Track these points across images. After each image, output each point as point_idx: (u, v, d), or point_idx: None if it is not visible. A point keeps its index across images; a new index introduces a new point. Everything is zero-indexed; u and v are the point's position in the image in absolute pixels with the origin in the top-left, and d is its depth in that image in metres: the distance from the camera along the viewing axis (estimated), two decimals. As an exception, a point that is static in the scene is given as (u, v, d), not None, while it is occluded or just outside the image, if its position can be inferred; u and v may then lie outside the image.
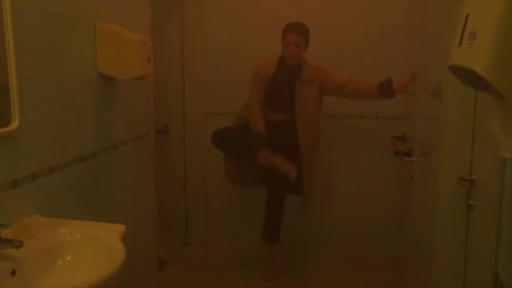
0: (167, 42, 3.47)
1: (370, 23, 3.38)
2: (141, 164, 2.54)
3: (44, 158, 1.69)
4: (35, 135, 1.63)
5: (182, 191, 3.71)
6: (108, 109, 2.15)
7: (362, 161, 3.55)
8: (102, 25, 2.00)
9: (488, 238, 1.24)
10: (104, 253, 1.46)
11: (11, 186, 1.52)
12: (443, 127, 1.80)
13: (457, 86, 1.65)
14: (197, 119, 3.63)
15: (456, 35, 0.94)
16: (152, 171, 2.69)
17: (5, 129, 1.47)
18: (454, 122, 1.75)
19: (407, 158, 2.58)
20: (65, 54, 1.80)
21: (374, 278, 3.22)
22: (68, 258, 1.50)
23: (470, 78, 0.88)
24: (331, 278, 3.21)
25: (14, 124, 1.50)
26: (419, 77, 2.62)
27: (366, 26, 3.39)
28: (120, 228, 1.62)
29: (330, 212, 3.64)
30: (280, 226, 3.20)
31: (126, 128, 2.34)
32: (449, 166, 1.77)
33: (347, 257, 3.49)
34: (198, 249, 3.65)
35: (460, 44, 0.90)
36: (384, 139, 3.10)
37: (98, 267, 1.37)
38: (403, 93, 2.94)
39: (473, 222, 1.67)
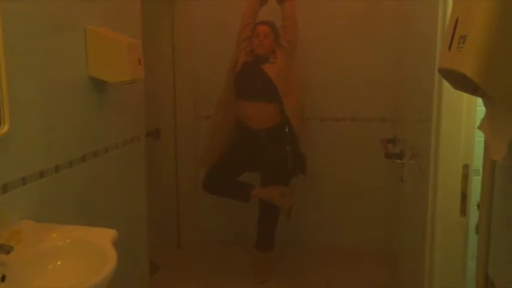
0: (158, 45, 3.46)
1: (357, 23, 3.41)
2: (132, 167, 2.53)
3: (34, 162, 1.67)
4: (24, 139, 1.62)
5: (174, 194, 3.69)
6: (98, 113, 2.14)
7: (354, 163, 3.56)
8: (93, 28, 1.99)
9: (480, 240, 1.25)
10: (95, 258, 1.45)
11: (0, 191, 1.50)
12: (434, 130, 1.81)
13: (448, 89, 1.67)
14: (189, 122, 3.62)
15: (446, 38, 0.94)
16: (143, 174, 2.68)
17: (-6, 133, 1.46)
18: (445, 125, 1.76)
19: (399, 161, 2.59)
20: (55, 57, 1.79)
21: (366, 279, 3.23)
22: (59, 263, 1.49)
23: (460, 81, 0.89)
24: (324, 280, 3.21)
25: (4, 128, 1.48)
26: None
27: (354, 26, 3.42)
28: (112, 232, 1.61)
29: (322, 215, 3.65)
30: (274, 236, 3.20)
31: (117, 132, 2.33)
32: (440, 169, 1.78)
33: (339, 258, 3.49)
34: (190, 252, 3.64)
35: (450, 48, 0.91)
36: (376, 141, 3.12)
37: (89, 272, 1.36)
38: None
39: (464, 227, 1.68)
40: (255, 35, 3.07)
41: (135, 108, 2.55)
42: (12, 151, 1.56)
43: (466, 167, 1.74)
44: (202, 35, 3.53)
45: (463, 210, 1.77)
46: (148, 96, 2.78)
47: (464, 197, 1.74)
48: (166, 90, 3.56)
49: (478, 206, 1.39)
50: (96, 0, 2.07)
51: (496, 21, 0.77)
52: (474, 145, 1.74)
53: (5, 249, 1.30)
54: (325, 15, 3.44)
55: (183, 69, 3.55)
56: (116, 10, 2.26)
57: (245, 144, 3.13)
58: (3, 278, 1.31)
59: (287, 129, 3.05)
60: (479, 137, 1.60)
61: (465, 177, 1.74)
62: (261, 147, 3.07)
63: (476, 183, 1.69)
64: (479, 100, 1.58)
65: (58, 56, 1.81)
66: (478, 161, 1.66)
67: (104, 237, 1.56)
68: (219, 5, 3.50)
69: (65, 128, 1.87)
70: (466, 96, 1.66)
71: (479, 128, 1.02)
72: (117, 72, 2.01)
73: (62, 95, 1.85)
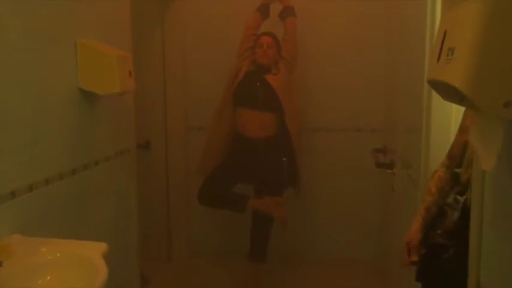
0: (148, 56, 3.46)
1: (348, 35, 3.45)
2: (123, 179, 2.52)
3: (23, 175, 1.66)
4: (13, 152, 1.61)
5: (165, 207, 3.67)
6: (89, 125, 2.13)
7: (344, 174, 3.57)
8: (83, 41, 1.99)
9: (471, 248, 1.25)
10: (85, 272, 1.44)
11: (-11, 205, 1.49)
12: (424, 139, 1.83)
13: (437, 99, 1.69)
14: (179, 133, 3.62)
15: (434, 50, 0.96)
16: (134, 186, 2.66)
17: (-17, 147, 1.44)
18: (435, 134, 1.78)
19: (389, 170, 2.60)
20: (45, 70, 1.78)
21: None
22: (48, 278, 1.47)
23: (448, 92, 0.90)
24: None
25: (-7, 141, 1.47)
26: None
27: (345, 38, 3.45)
28: (102, 246, 1.59)
29: (313, 225, 3.65)
30: (267, 246, 3.19)
31: (108, 144, 2.32)
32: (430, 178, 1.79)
33: (331, 269, 3.48)
34: (181, 265, 3.61)
35: (438, 60, 0.92)
36: (366, 151, 3.14)
37: (80, 287, 1.34)
38: None
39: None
40: (259, 45, 3.13)
41: (126, 120, 2.54)
42: (0, 164, 1.54)
43: (456, 176, 1.75)
44: (193, 45, 3.54)
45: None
46: (139, 107, 2.77)
47: (454, 206, 1.74)
48: (156, 101, 3.55)
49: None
50: (87, 13, 2.07)
51: (484, 33, 0.78)
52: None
53: (-6, 264, 1.29)
54: (316, 28, 3.47)
55: (174, 79, 3.55)
56: (106, 23, 2.26)
57: (241, 154, 3.13)
58: (-8, 294, 1.29)
59: (286, 140, 3.07)
60: (469, 147, 1.62)
61: (455, 187, 1.75)
62: (257, 156, 3.08)
63: (466, 192, 1.70)
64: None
65: (49, 69, 1.80)
66: (467, 171, 1.67)
67: (94, 251, 1.55)
68: (210, 15, 3.52)
69: (55, 140, 1.86)
70: (454, 106, 1.68)
71: (468, 138, 1.03)
72: (107, 85, 2.00)
73: (52, 107, 1.84)
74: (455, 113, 1.74)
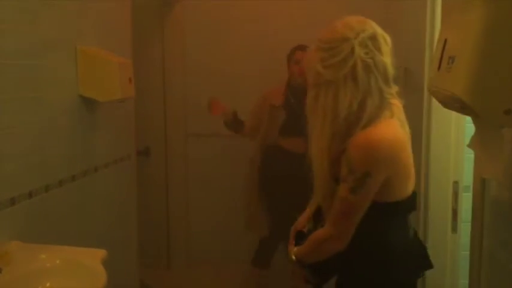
0: (148, 62, 3.46)
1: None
2: (123, 186, 2.51)
3: (23, 182, 1.66)
4: (13, 159, 1.60)
5: (164, 214, 3.65)
6: (88, 131, 2.13)
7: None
8: (83, 47, 1.99)
9: (472, 257, 1.25)
10: (84, 279, 1.44)
11: (-12, 212, 1.49)
12: (424, 147, 1.83)
13: (437, 107, 1.69)
14: (179, 140, 3.61)
15: (435, 59, 0.96)
16: (133, 193, 2.66)
17: (-17, 153, 1.44)
18: (435, 142, 1.78)
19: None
20: (45, 77, 1.78)
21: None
22: (48, 284, 1.46)
23: (449, 100, 0.90)
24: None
25: (-7, 148, 1.47)
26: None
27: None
28: (101, 252, 1.59)
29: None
30: (273, 255, 3.15)
31: (107, 150, 2.32)
32: (431, 186, 1.79)
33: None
34: (180, 272, 3.59)
35: (439, 68, 0.92)
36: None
37: (79, 294, 1.34)
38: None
39: (456, 244, 1.68)
40: (294, 61, 2.86)
41: (126, 126, 2.55)
42: (0, 171, 1.54)
43: (456, 183, 1.76)
44: (193, 51, 3.54)
45: (454, 227, 1.78)
46: (138, 114, 2.78)
47: (455, 214, 1.75)
48: (156, 108, 3.55)
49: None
50: (87, 20, 2.08)
51: (484, 42, 0.78)
52: (464, 162, 1.75)
53: (-7, 271, 1.28)
54: (314, 29, 3.43)
55: (173, 86, 3.55)
56: (106, 29, 2.27)
57: (278, 161, 2.95)
58: (-9, 301, 1.29)
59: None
60: (469, 154, 1.63)
61: (455, 194, 1.75)
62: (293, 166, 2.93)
63: (466, 199, 1.70)
64: (468, 118, 1.61)
65: (48, 76, 1.80)
66: (467, 178, 1.68)
67: (93, 258, 1.55)
68: (210, 21, 3.51)
69: (55, 147, 1.86)
70: (454, 114, 1.68)
71: (469, 146, 1.03)
72: (108, 91, 2.01)
73: (52, 114, 1.84)
74: (455, 120, 1.75)
